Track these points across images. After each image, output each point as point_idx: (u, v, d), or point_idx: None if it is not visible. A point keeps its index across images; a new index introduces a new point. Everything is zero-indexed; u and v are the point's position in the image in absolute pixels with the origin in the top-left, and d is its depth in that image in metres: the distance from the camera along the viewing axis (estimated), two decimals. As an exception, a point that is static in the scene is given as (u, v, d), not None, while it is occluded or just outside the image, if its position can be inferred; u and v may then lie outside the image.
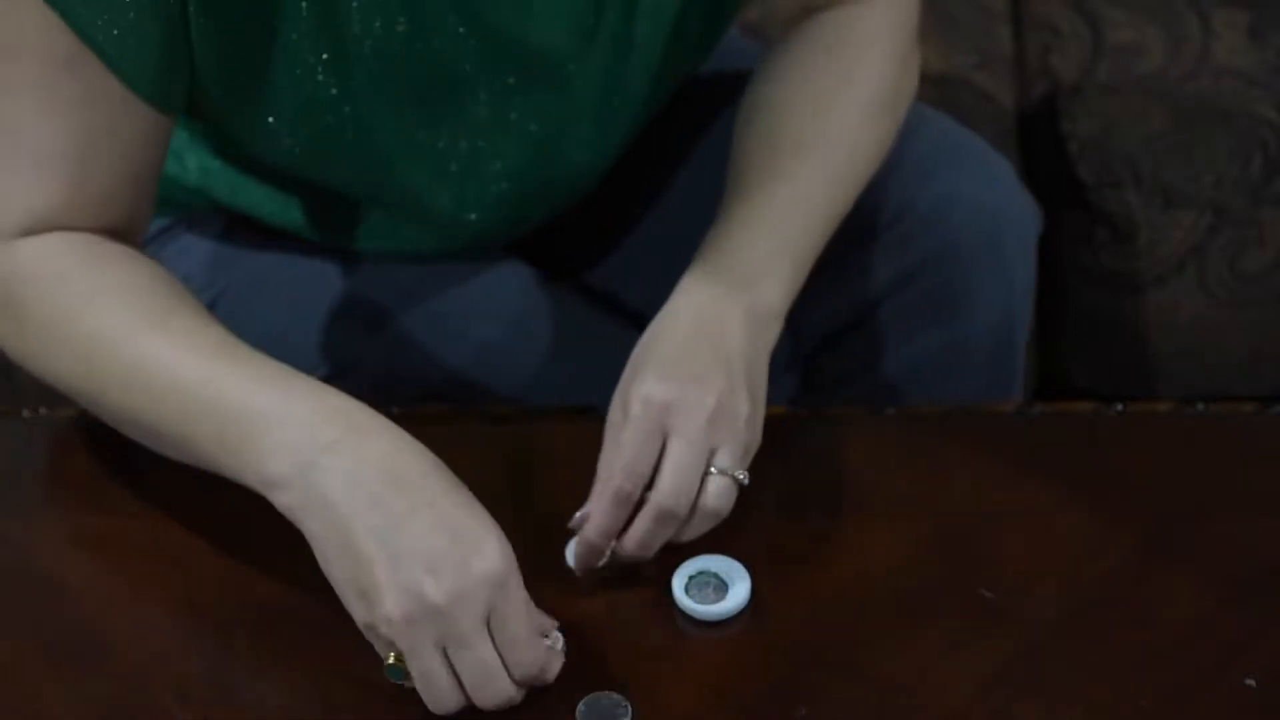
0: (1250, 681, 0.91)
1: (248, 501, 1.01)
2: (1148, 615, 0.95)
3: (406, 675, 0.88)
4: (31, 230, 0.97)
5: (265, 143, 1.03)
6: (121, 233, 1.00)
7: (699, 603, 0.95)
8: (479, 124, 1.06)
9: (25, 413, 1.09)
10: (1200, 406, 1.09)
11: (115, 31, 0.91)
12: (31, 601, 0.96)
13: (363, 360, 1.18)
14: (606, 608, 0.96)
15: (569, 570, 0.97)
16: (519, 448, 1.06)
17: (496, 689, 0.87)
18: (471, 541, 0.86)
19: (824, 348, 1.22)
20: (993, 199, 1.17)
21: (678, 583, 0.96)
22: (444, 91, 1.03)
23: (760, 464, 0.99)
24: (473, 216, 1.11)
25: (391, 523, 0.86)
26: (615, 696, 0.90)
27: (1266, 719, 0.90)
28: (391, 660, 0.88)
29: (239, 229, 1.20)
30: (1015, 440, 1.07)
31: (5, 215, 0.97)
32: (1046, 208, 1.57)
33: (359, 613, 0.88)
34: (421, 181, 1.08)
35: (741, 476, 0.95)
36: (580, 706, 0.90)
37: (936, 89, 1.60)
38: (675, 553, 0.97)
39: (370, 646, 0.90)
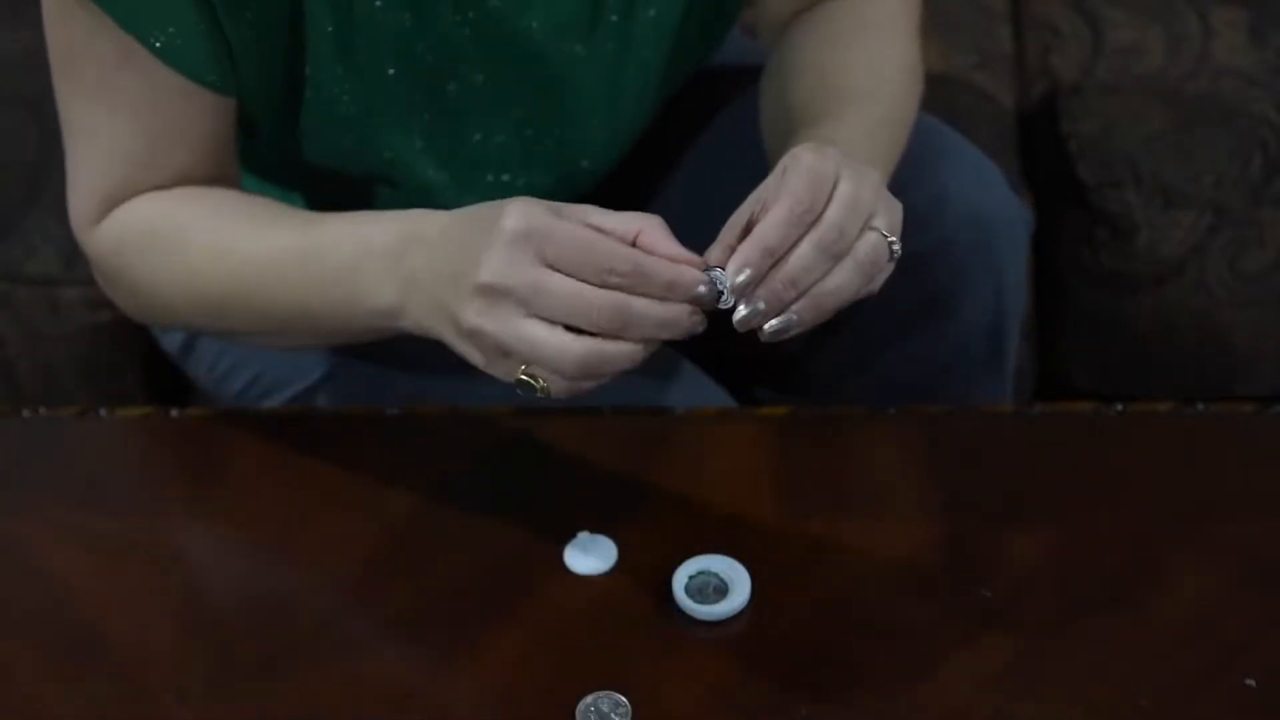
0: (1250, 681, 0.91)
1: (247, 502, 1.01)
2: (1148, 615, 0.95)
3: (534, 379, 0.87)
4: (118, 203, 1.01)
5: (272, 135, 1.04)
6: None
7: (699, 603, 0.95)
8: (480, 117, 1.06)
9: (25, 413, 1.09)
10: (1200, 406, 1.09)
11: (160, 27, 0.93)
12: (31, 601, 0.96)
13: (362, 360, 1.18)
14: (606, 608, 0.96)
15: (569, 570, 0.97)
16: (519, 448, 1.06)
17: (593, 303, 0.85)
18: (494, 215, 0.87)
19: (814, 346, 1.22)
20: (983, 200, 1.17)
21: (678, 583, 0.96)
22: (443, 83, 1.03)
23: (760, 464, 0.99)
24: None
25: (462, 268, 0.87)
26: (615, 696, 0.90)
27: (1266, 719, 0.90)
28: (520, 375, 0.87)
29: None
30: (1015, 440, 1.07)
31: (89, 206, 1.02)
32: (1046, 208, 1.58)
33: (474, 356, 0.89)
34: (423, 174, 1.08)
35: (895, 243, 0.91)
36: (580, 706, 0.90)
37: (936, 89, 1.60)
38: (675, 553, 0.97)
39: (370, 647, 0.90)
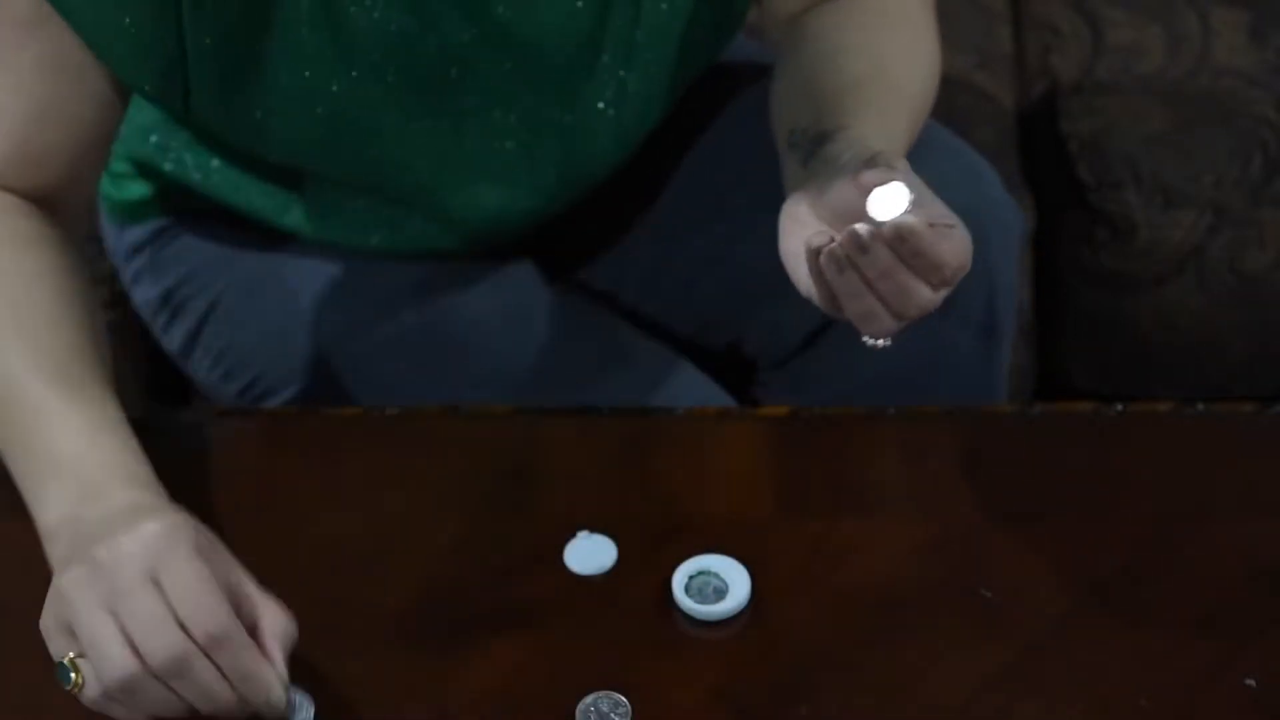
0: (1250, 681, 0.91)
1: (248, 501, 1.01)
2: (1148, 615, 0.95)
3: (75, 669, 0.86)
4: None
5: (261, 135, 1.04)
6: (54, 200, 1.01)
7: (699, 603, 0.95)
8: (481, 117, 1.06)
9: (25, 413, 1.09)
10: (1200, 406, 1.09)
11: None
12: (31, 601, 0.96)
13: (362, 360, 1.18)
14: (606, 608, 0.96)
15: (569, 570, 0.97)
16: (519, 448, 1.06)
17: (165, 640, 0.83)
18: (135, 524, 0.87)
19: (807, 346, 1.22)
20: (977, 201, 1.17)
21: (678, 582, 0.96)
22: (445, 83, 1.03)
23: (760, 464, 0.99)
24: (486, 210, 1.11)
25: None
26: (615, 696, 0.90)
27: (1266, 719, 0.90)
28: (68, 659, 0.86)
29: (239, 229, 1.20)
30: (1015, 440, 1.07)
31: None
32: (1046, 208, 1.58)
33: (47, 615, 0.88)
34: (422, 175, 1.08)
35: (963, 233, 0.88)
36: (580, 706, 0.90)
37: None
38: (675, 553, 0.97)
39: (370, 647, 0.90)
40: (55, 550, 0.90)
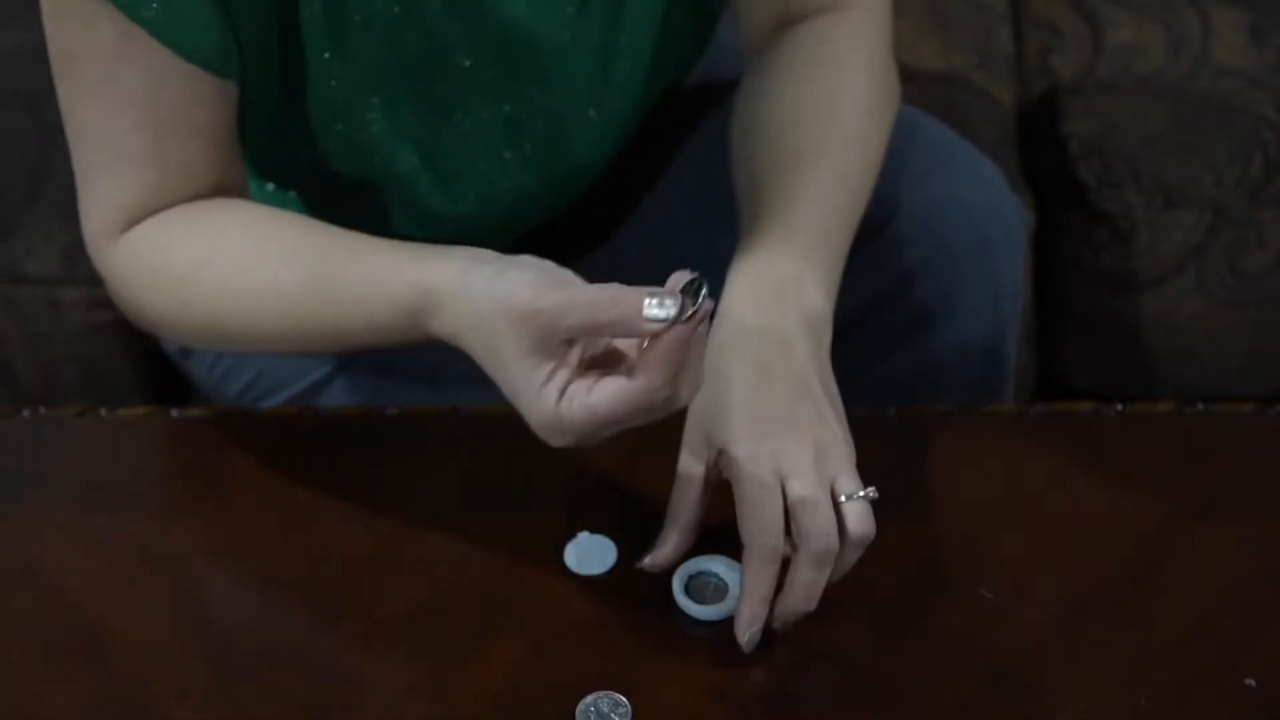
0: (1250, 681, 0.91)
1: (247, 501, 1.01)
2: (1148, 615, 0.95)
3: None
4: (130, 223, 1.00)
5: (263, 127, 1.04)
6: (217, 195, 1.02)
7: (699, 603, 0.95)
8: (467, 111, 1.06)
9: (25, 413, 1.09)
10: (1200, 406, 1.09)
11: (157, 4, 0.92)
12: (31, 601, 0.96)
13: (361, 360, 1.18)
14: (606, 608, 0.96)
15: (569, 570, 0.97)
16: (519, 448, 1.06)
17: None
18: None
19: None
20: (982, 201, 1.17)
21: (678, 583, 0.96)
22: (431, 75, 1.03)
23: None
24: (466, 210, 1.11)
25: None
26: (615, 696, 0.90)
27: (1266, 719, 0.90)
28: None
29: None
30: (1015, 440, 1.07)
31: (104, 215, 1.01)
32: (1046, 208, 1.58)
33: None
34: (405, 167, 1.08)
35: (871, 493, 0.93)
36: (580, 706, 0.90)
37: (936, 89, 1.60)
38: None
39: (370, 647, 0.89)
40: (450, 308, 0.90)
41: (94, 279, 1.48)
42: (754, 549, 0.92)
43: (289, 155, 1.09)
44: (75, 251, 1.46)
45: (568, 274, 0.88)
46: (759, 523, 0.92)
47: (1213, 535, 0.99)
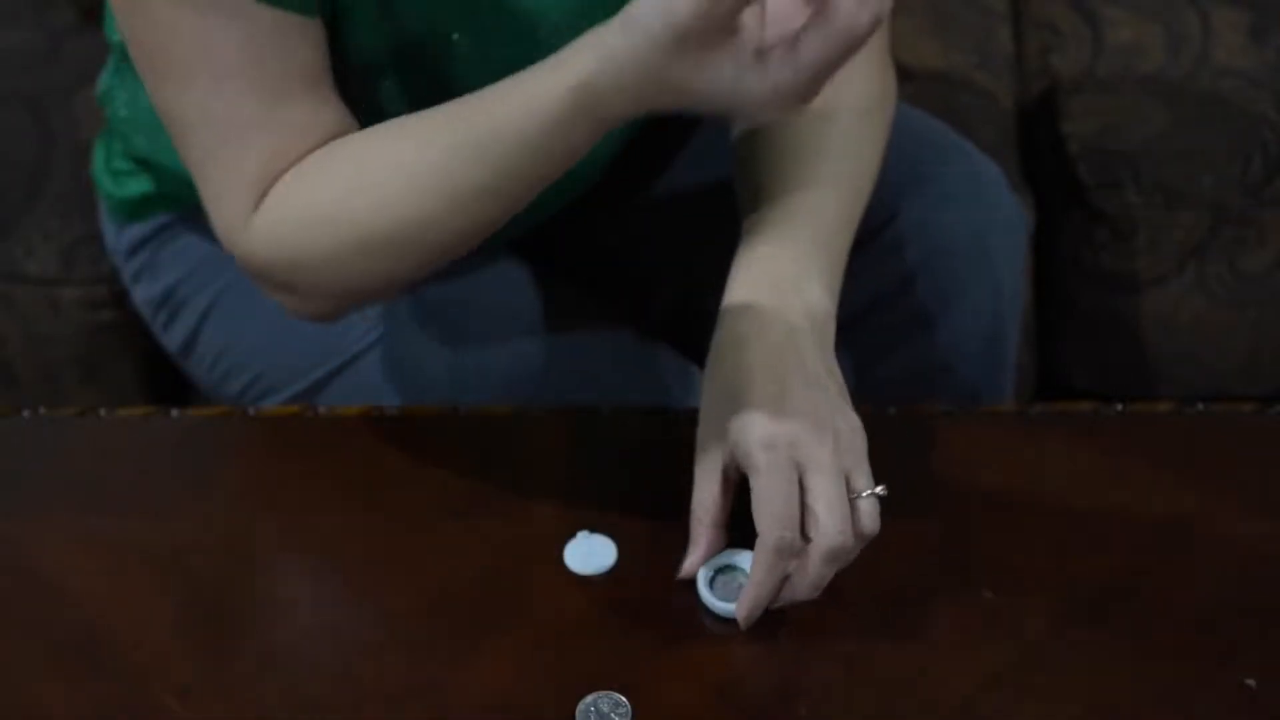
0: (1250, 681, 0.91)
1: (247, 501, 1.01)
2: (1148, 615, 0.95)
3: None
4: (259, 198, 0.98)
5: None
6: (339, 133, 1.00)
7: (722, 599, 0.94)
8: (466, 84, 1.06)
9: (25, 413, 1.09)
10: (1200, 406, 1.09)
11: None
12: (31, 601, 0.96)
13: (361, 360, 1.18)
14: (606, 608, 0.96)
15: (569, 570, 0.97)
16: (519, 448, 1.06)
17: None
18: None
19: None
20: (982, 202, 1.17)
21: (702, 578, 0.95)
22: (428, 59, 1.03)
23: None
24: None
25: None
26: (615, 696, 0.90)
27: (1266, 719, 0.90)
28: None
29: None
30: (1015, 440, 1.07)
31: (233, 204, 0.98)
32: (1046, 208, 1.58)
33: None
34: None
35: (881, 491, 0.93)
36: (580, 706, 0.90)
37: (936, 89, 1.60)
38: (675, 553, 0.96)
39: (370, 647, 0.89)
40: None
41: (94, 279, 1.48)
42: (768, 541, 0.91)
43: None
44: (75, 251, 1.46)
45: None
46: (775, 515, 0.91)
47: (1213, 535, 0.99)
